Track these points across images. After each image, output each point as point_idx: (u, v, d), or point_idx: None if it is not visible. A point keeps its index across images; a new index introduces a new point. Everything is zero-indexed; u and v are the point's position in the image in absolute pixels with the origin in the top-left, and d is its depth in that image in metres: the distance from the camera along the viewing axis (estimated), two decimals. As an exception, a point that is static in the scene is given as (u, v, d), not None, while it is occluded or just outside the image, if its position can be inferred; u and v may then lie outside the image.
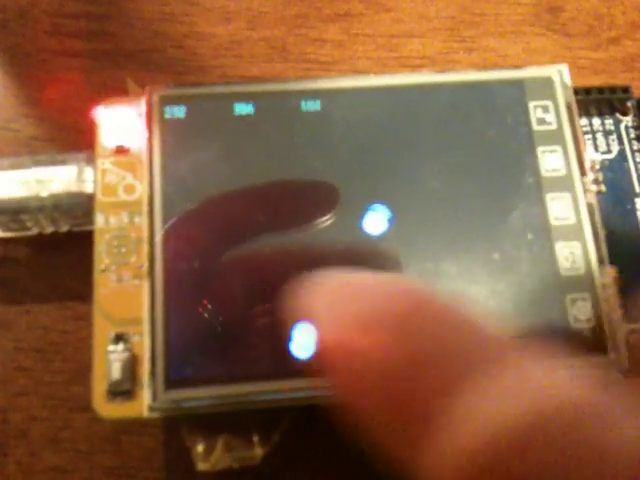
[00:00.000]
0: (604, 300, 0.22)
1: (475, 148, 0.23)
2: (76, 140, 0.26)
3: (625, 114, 0.26)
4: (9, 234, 0.24)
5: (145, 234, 0.21)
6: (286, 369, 0.20)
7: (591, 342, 0.21)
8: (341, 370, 0.15)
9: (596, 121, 0.25)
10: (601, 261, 0.22)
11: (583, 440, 0.12)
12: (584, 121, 0.25)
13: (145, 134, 0.22)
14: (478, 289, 0.22)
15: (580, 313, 0.21)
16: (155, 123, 0.22)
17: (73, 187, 0.23)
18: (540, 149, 0.23)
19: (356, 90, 0.23)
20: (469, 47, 0.30)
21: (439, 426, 0.13)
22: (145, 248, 0.21)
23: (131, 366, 0.21)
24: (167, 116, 0.23)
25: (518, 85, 0.24)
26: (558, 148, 0.23)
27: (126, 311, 0.21)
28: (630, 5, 0.30)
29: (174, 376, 0.20)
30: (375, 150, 0.23)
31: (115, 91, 0.25)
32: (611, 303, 0.22)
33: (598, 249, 0.22)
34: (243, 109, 0.23)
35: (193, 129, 0.22)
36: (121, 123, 0.23)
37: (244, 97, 0.23)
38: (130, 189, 0.22)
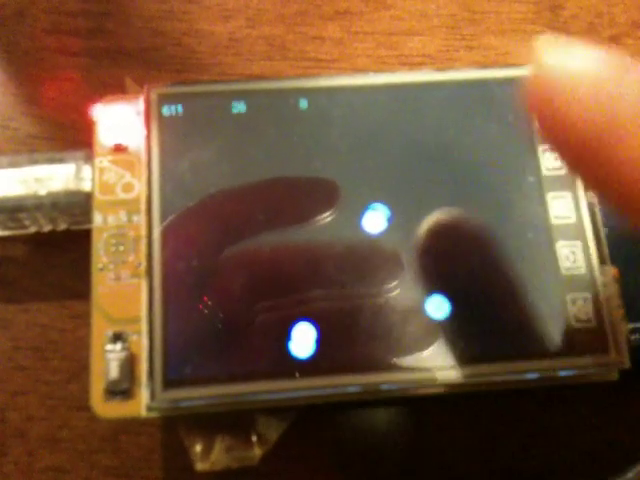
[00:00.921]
0: (605, 299, 0.21)
1: (475, 147, 0.23)
2: (75, 138, 0.26)
3: (626, 112, 0.25)
4: (7, 232, 0.24)
5: (143, 232, 0.21)
6: (284, 369, 0.20)
7: (592, 341, 0.21)
8: None
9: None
10: (602, 260, 0.22)
11: None
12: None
13: (143, 132, 0.22)
14: (478, 290, 0.22)
15: (581, 312, 0.21)
16: (153, 121, 0.22)
17: (71, 185, 0.23)
18: (541, 148, 0.23)
19: (355, 88, 0.23)
20: (469, 45, 0.30)
21: None
22: (143, 247, 0.21)
23: (129, 365, 0.21)
24: (165, 114, 0.22)
25: (519, 83, 0.24)
26: (559, 147, 0.23)
27: (124, 310, 0.21)
28: (631, 3, 0.30)
29: (172, 375, 0.20)
30: (374, 148, 0.23)
31: (114, 89, 0.25)
32: (612, 302, 0.22)
33: (599, 248, 0.22)
34: (239, 107, 0.23)
35: (191, 127, 0.22)
36: (119, 121, 0.23)
37: (242, 95, 0.23)
38: (128, 187, 0.22)
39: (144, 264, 0.21)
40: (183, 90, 0.23)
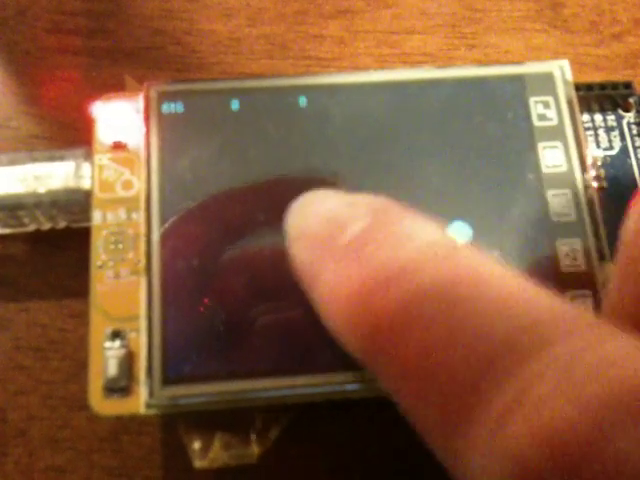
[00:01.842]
0: (605, 296, 0.21)
1: (475, 144, 0.23)
2: (75, 138, 0.26)
3: (627, 110, 0.25)
4: (7, 230, 0.24)
5: (142, 230, 0.21)
6: (284, 367, 0.20)
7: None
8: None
9: (598, 117, 0.25)
10: (602, 258, 0.22)
11: None
12: (586, 117, 0.25)
13: (143, 130, 0.22)
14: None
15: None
16: (153, 119, 0.22)
17: (71, 183, 0.23)
18: (541, 145, 0.23)
19: (355, 86, 0.23)
20: (470, 44, 0.30)
21: (495, 411, 0.12)
22: (142, 244, 0.21)
23: (128, 363, 0.21)
24: (165, 112, 0.22)
25: (519, 81, 0.24)
26: (559, 144, 0.23)
27: (123, 308, 0.21)
28: (632, 1, 0.30)
29: (171, 373, 0.20)
30: (375, 146, 0.23)
31: (114, 88, 0.25)
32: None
33: (599, 246, 0.22)
34: (239, 105, 0.23)
35: (191, 125, 0.22)
36: (119, 119, 0.23)
37: (242, 93, 0.23)
38: (128, 185, 0.22)
39: (143, 262, 0.21)
40: (183, 88, 0.23)
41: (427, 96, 0.23)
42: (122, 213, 0.22)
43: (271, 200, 0.22)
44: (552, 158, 0.23)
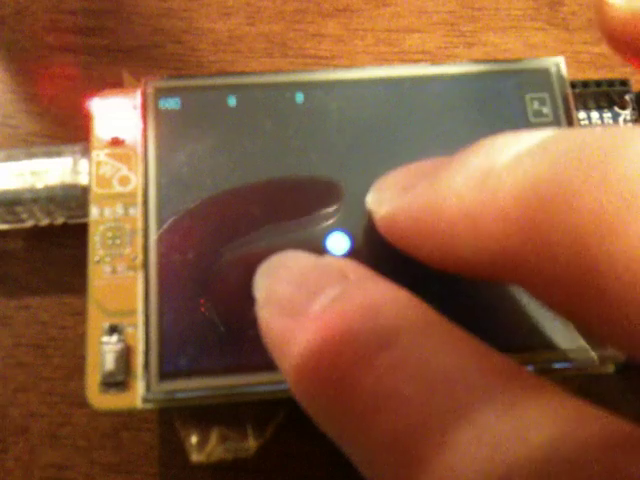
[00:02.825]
0: None
1: (471, 140, 0.23)
2: (74, 136, 0.26)
3: (623, 107, 0.25)
4: (4, 226, 0.24)
5: (140, 226, 0.21)
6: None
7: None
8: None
9: (594, 114, 0.25)
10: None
11: None
12: (582, 114, 0.25)
13: (140, 126, 0.22)
14: (474, 288, 0.21)
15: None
16: (150, 115, 0.22)
17: (68, 179, 0.23)
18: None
19: (352, 82, 0.23)
20: (469, 42, 0.30)
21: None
22: (139, 240, 0.21)
23: (125, 357, 0.21)
24: (162, 108, 0.22)
25: (514, 77, 0.24)
26: (555, 140, 0.23)
27: (120, 303, 0.21)
28: (630, -1, 0.30)
29: (168, 367, 0.20)
30: (371, 143, 0.23)
31: (114, 86, 0.25)
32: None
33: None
34: (236, 101, 0.23)
35: (188, 121, 0.22)
36: (116, 115, 0.23)
37: (239, 89, 0.23)
38: (125, 181, 0.22)
39: (140, 257, 0.21)
40: (180, 84, 0.23)
41: (423, 92, 0.23)
42: (119, 209, 0.22)
43: (268, 196, 0.22)
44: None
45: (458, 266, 0.17)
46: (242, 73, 0.25)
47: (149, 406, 0.20)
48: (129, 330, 0.21)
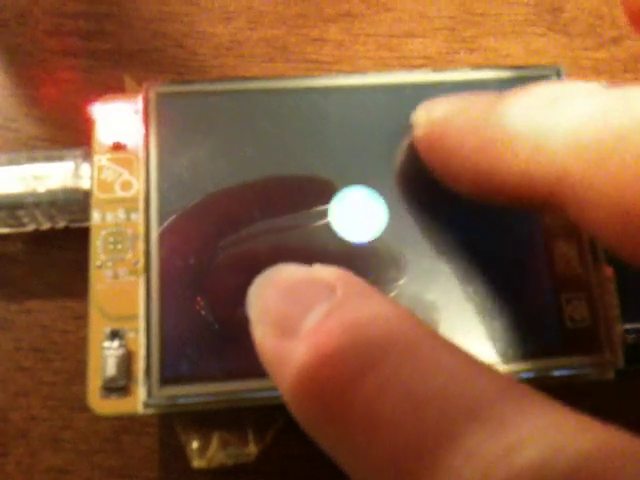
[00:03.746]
0: (600, 299, 0.21)
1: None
2: (76, 139, 0.26)
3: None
4: (6, 230, 0.24)
5: (141, 230, 0.21)
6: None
7: (587, 342, 0.21)
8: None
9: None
10: (596, 260, 0.22)
11: None
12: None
13: (142, 131, 0.22)
14: (472, 288, 0.21)
15: (575, 312, 0.21)
16: (152, 119, 0.22)
17: (70, 183, 0.23)
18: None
19: (354, 88, 0.23)
20: (470, 47, 0.30)
21: None
22: (141, 245, 0.21)
23: (126, 362, 0.21)
24: (164, 113, 0.22)
25: (516, 85, 0.24)
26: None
27: (122, 307, 0.21)
28: (632, 5, 0.30)
29: (169, 372, 0.20)
30: (371, 148, 0.23)
31: (115, 91, 0.25)
32: (607, 302, 0.21)
33: (593, 247, 0.22)
34: (237, 106, 0.23)
35: (190, 125, 0.22)
36: (118, 120, 0.23)
37: (241, 94, 0.23)
38: (127, 185, 0.22)
39: (142, 262, 0.21)
40: (182, 89, 0.23)
41: (424, 99, 0.23)
42: (121, 213, 0.22)
43: (269, 199, 0.22)
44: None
45: (494, 188, 0.17)
46: (243, 78, 0.25)
47: (150, 411, 0.20)
48: (130, 335, 0.21)
